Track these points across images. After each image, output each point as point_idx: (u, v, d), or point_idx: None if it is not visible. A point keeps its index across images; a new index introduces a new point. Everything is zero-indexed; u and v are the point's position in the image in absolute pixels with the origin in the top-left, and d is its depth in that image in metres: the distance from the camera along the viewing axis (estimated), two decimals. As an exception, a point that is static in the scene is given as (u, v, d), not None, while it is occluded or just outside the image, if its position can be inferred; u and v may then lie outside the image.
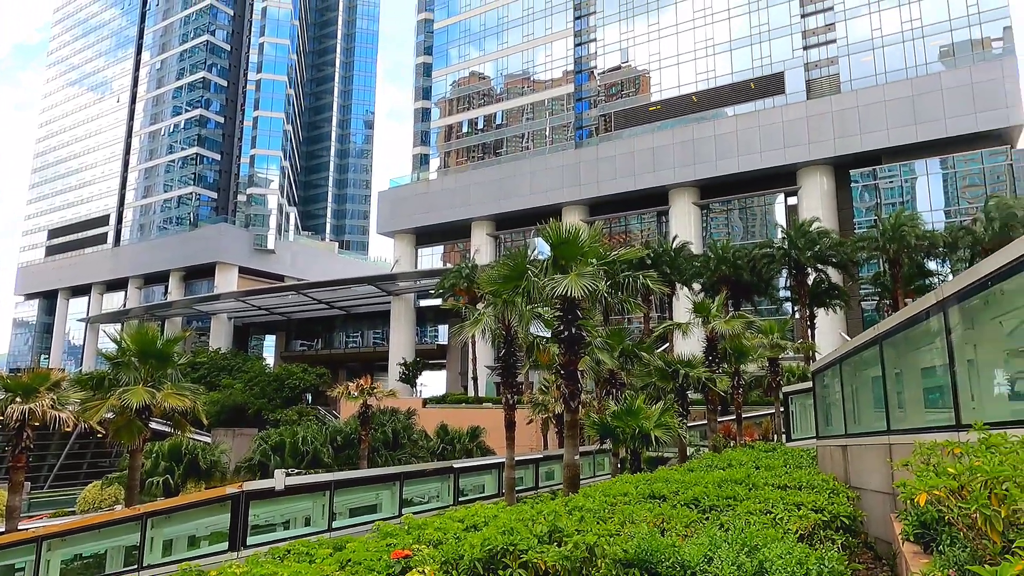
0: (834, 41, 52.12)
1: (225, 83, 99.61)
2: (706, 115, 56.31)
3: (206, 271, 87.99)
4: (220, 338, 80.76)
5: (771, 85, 53.96)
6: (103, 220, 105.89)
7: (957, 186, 47.01)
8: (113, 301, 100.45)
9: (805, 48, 53.33)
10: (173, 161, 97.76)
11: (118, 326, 77.49)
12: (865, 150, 48.35)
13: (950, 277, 38.06)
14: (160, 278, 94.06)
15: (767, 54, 54.59)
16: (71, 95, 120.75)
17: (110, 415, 20.85)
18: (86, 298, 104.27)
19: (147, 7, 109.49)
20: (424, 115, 76.08)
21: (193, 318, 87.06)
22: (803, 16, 53.81)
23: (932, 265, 39.95)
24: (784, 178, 52.52)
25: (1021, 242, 4.65)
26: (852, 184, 49.32)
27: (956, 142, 45.82)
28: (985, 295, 5.57)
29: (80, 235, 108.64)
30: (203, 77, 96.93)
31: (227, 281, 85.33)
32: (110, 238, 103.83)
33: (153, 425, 23.10)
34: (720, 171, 53.74)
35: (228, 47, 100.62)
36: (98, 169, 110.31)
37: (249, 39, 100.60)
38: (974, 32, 47.15)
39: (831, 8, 52.70)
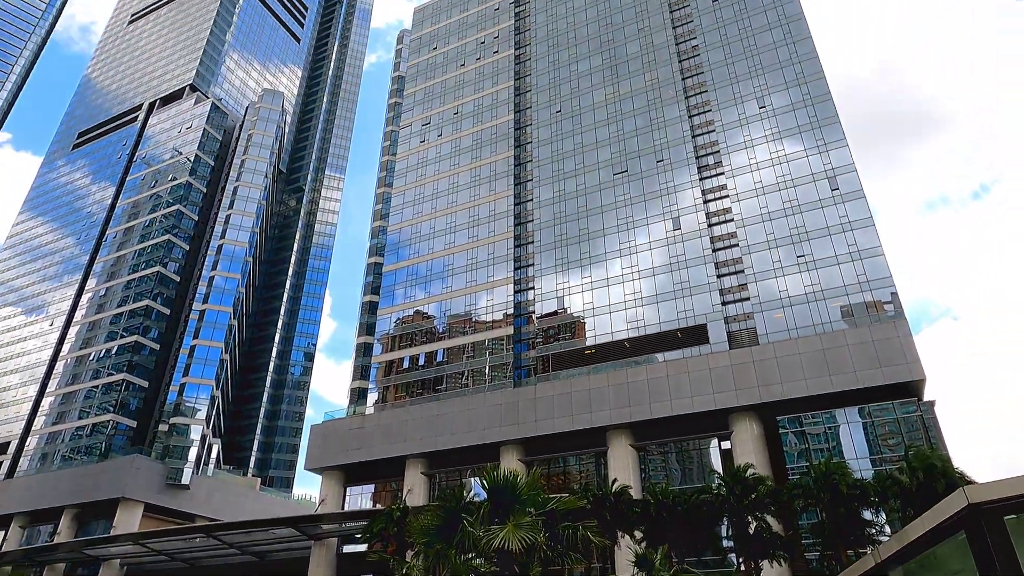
0: (748, 299, 57.69)
1: (168, 311, 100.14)
2: (639, 359, 59.22)
3: (107, 509, 79.54)
4: (107, 590, 70.35)
5: (696, 335, 58.04)
6: (1, 448, 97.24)
7: (877, 434, 49.20)
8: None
9: (723, 304, 58.63)
10: (96, 387, 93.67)
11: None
12: (788, 398, 50.91)
13: (887, 528, 37.99)
14: (53, 515, 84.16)
15: (690, 307, 59.56)
16: (2, 316, 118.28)
17: None
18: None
19: (104, 238, 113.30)
20: (366, 350, 77.19)
21: (81, 564, 76.44)
22: (719, 276, 60.06)
23: (867, 514, 40.01)
24: (717, 421, 53.98)
25: (938, 511, 4.84)
26: (781, 430, 50.99)
27: (869, 393, 48.98)
28: (920, 559, 5.61)
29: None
30: (147, 305, 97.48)
31: (129, 521, 76.93)
32: (3, 467, 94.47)
33: None
34: (654, 413, 55.00)
35: (178, 278, 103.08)
36: (11, 392, 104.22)
37: (200, 272, 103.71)
38: (867, 296, 53.23)
39: (742, 271, 59.22)
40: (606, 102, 76.29)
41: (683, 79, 73.24)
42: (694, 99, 71.54)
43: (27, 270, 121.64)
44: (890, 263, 54.11)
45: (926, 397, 49.48)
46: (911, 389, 48.77)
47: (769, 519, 39.64)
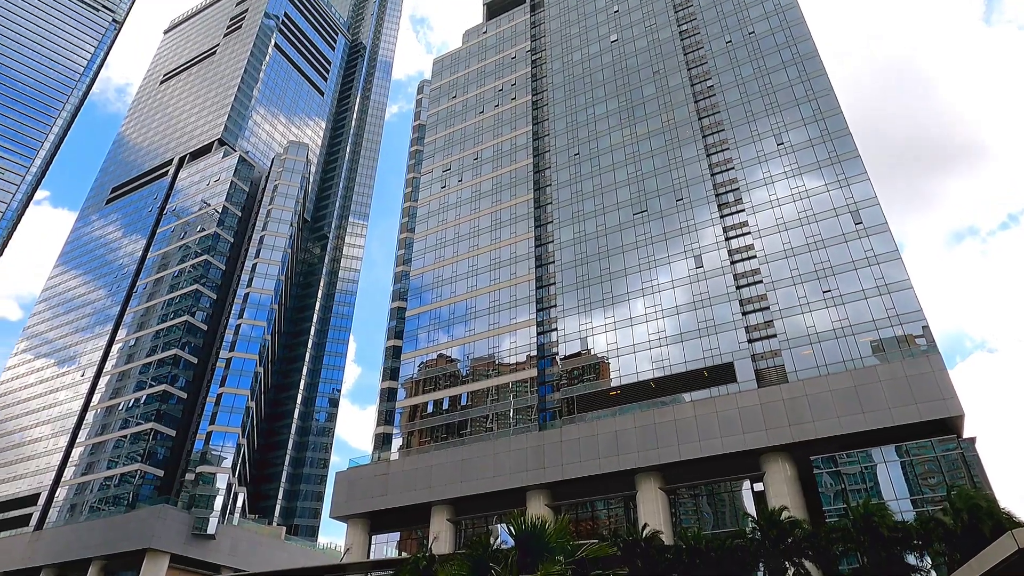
0: (775, 336, 56.82)
1: (195, 360, 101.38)
2: (666, 400, 58.31)
3: (134, 561, 79.36)
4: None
5: (723, 374, 57.12)
6: (31, 499, 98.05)
7: (916, 473, 47.51)
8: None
9: (750, 341, 57.77)
10: (124, 436, 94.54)
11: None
12: (821, 437, 49.57)
13: (932, 573, 36.38)
14: (80, 567, 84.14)
15: (715, 346, 58.77)
16: (36, 367, 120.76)
17: None
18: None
19: (134, 289, 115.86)
20: (390, 395, 77.12)
21: (106, 618, 76.04)
22: (744, 314, 59.37)
23: (911, 559, 38.37)
24: (748, 462, 52.65)
25: (986, 556, 4.66)
26: (815, 470, 49.50)
27: (905, 430, 47.52)
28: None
29: (2, 516, 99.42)
30: (175, 354, 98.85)
31: (155, 572, 76.64)
32: (33, 520, 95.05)
33: None
34: (683, 455, 53.85)
35: (205, 327, 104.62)
36: (42, 443, 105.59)
37: (227, 320, 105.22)
38: (897, 330, 52.10)
39: (767, 308, 58.50)
40: (624, 143, 77.10)
41: (700, 119, 73.91)
42: (711, 138, 72.03)
43: (61, 322, 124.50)
44: (919, 296, 53.09)
45: (966, 433, 47.88)
46: (949, 426, 47.25)
47: (807, 564, 38.21)
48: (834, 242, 58.26)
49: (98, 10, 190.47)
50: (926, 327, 51.24)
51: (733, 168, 68.11)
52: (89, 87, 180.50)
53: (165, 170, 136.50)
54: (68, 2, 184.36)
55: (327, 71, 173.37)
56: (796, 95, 68.52)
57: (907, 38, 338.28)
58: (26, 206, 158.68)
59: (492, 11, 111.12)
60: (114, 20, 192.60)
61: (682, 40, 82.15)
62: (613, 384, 62.04)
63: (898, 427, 47.48)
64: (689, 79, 77.73)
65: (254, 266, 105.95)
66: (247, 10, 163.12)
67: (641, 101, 79.36)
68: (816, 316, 55.69)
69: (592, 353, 65.15)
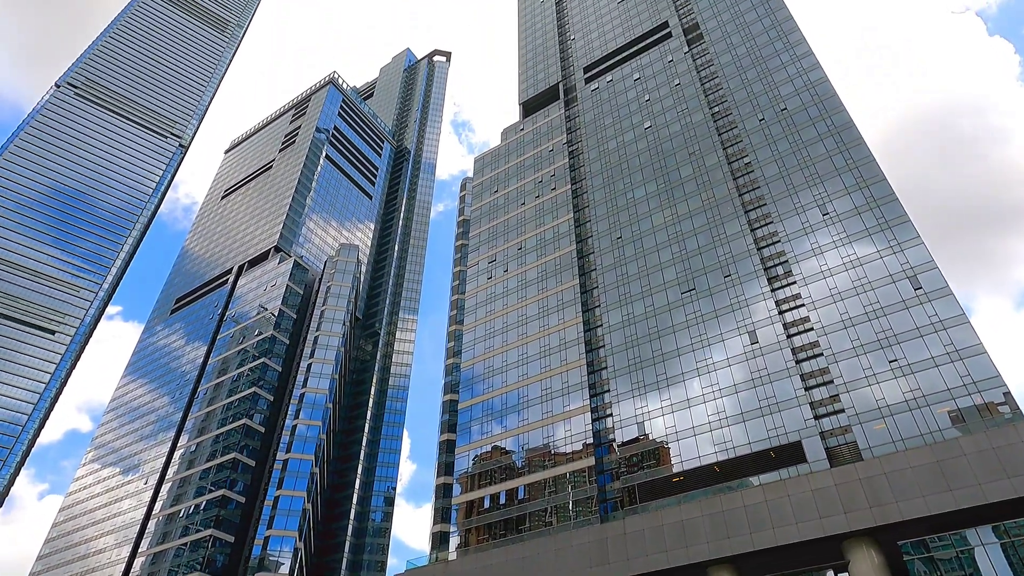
0: (843, 411, 54.10)
1: (253, 463, 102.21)
2: (732, 484, 55.44)
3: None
4: None
5: (791, 454, 54.27)
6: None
7: (1021, 556, 43.21)
8: None
9: (816, 417, 55.10)
10: (184, 545, 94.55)
11: None
12: (906, 519, 45.94)
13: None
14: None
15: (780, 424, 56.23)
16: (103, 477, 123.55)
17: None
18: None
19: (196, 395, 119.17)
20: (445, 491, 75.66)
21: None
22: (807, 389, 56.98)
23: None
24: (829, 549, 48.90)
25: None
26: (905, 556, 45.58)
27: (1002, 508, 43.69)
28: None
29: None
30: (233, 458, 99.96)
31: None
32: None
33: None
34: (757, 544, 50.44)
35: (263, 429, 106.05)
36: (105, 554, 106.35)
37: (283, 421, 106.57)
38: (976, 398, 48.99)
39: (831, 381, 56.07)
40: (665, 224, 77.63)
41: (740, 195, 74.23)
42: (754, 213, 71.97)
43: (126, 431, 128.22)
44: (995, 360, 50.19)
45: (1071, 511, 43.66)
46: (1050, 501, 43.27)
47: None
48: (895, 309, 56.25)
49: (166, 137, 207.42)
50: (1007, 393, 48.10)
51: (779, 241, 67.48)
52: (157, 206, 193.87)
53: (225, 278, 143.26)
54: (139, 130, 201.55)
55: (374, 176, 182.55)
56: (836, 165, 68.45)
57: (945, 92, 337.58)
58: (98, 320, 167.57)
59: (528, 109, 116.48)
60: (180, 145, 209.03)
61: (715, 121, 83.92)
62: (675, 470, 59.52)
63: (992, 504, 43.73)
64: (726, 157, 78.76)
65: (309, 366, 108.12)
66: (300, 126, 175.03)
67: (679, 182, 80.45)
68: (885, 387, 53.02)
69: (650, 438, 63.05)
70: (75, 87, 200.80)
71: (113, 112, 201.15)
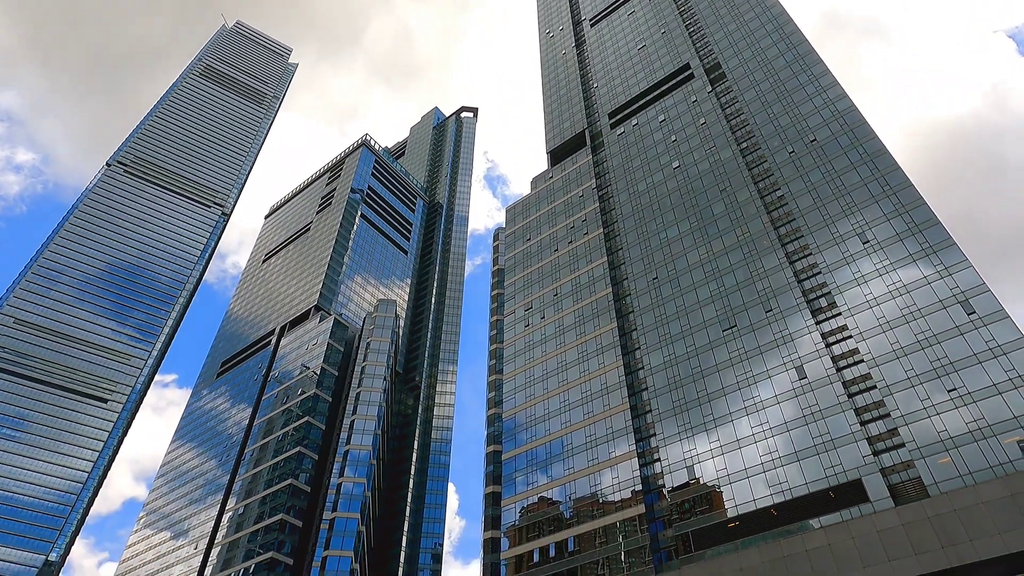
0: (903, 445, 51.67)
1: (300, 523, 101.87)
2: (791, 528, 53.01)
3: None
4: None
5: (852, 493, 51.78)
6: None
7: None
8: None
9: (875, 453, 52.70)
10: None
11: None
12: (984, 559, 43.13)
13: None
14: None
15: (837, 462, 53.90)
16: (154, 543, 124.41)
17: None
18: None
19: (242, 457, 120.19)
20: (494, 546, 74.02)
21: None
22: (862, 424, 54.72)
23: None
24: (901, 597, 46.02)
25: None
26: (985, 601, 42.62)
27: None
28: None
29: None
30: (281, 519, 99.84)
31: None
32: None
33: None
34: (824, 592, 47.80)
35: (308, 488, 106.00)
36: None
37: (328, 479, 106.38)
38: (1047, 426, 46.35)
39: (888, 415, 53.79)
40: (701, 262, 76.88)
41: (775, 228, 73.31)
42: (791, 245, 70.86)
43: (176, 495, 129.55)
44: (1063, 385, 47.56)
45: None
46: None
47: None
48: (948, 336, 54.13)
49: (209, 206, 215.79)
50: (1081, 419, 45.41)
51: (820, 272, 66.09)
52: (202, 273, 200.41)
53: (268, 340, 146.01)
54: (184, 202, 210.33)
55: (409, 231, 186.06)
56: (872, 192, 67.30)
57: (978, 117, 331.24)
58: (147, 387, 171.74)
59: (556, 157, 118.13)
60: (223, 213, 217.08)
61: (744, 157, 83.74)
62: (729, 515, 57.25)
63: (1077, 540, 40.85)
64: (758, 191, 78.19)
65: (351, 423, 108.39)
66: (335, 188, 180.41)
67: (713, 219, 79.95)
68: (946, 418, 50.61)
69: (701, 482, 61.00)
70: (124, 164, 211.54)
71: (160, 186, 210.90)
